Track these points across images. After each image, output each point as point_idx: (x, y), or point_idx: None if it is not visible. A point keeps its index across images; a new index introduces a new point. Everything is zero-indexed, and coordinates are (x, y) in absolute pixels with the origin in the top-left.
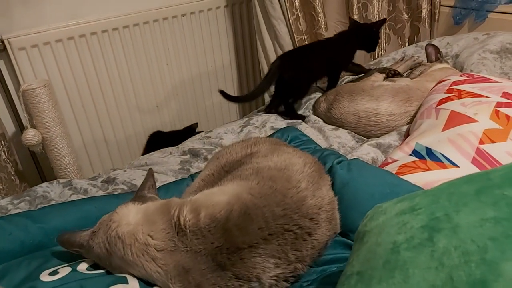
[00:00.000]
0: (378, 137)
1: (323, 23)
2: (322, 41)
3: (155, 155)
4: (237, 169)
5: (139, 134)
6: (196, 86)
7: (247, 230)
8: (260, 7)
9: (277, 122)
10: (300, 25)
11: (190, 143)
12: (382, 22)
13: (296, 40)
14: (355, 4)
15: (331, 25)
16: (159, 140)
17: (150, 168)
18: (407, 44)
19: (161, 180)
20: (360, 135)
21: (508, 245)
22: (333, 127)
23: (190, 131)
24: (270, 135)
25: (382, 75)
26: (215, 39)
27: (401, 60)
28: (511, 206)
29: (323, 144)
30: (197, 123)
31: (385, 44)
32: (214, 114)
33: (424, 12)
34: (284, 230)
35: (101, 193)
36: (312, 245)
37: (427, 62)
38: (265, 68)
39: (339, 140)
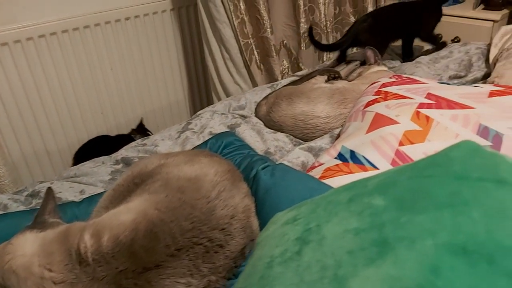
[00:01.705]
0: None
1: (268, 26)
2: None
3: (86, 165)
4: (146, 181)
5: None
6: (143, 90)
7: (154, 250)
8: (205, 10)
9: (216, 126)
10: (246, 28)
11: (124, 152)
12: None
13: (242, 43)
14: (301, 7)
15: (279, 28)
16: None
17: (49, 188)
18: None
19: (90, 192)
20: (298, 138)
21: (361, 259)
22: (272, 130)
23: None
24: (205, 141)
25: (324, 77)
26: (162, 43)
27: (346, 63)
28: (374, 216)
29: (260, 147)
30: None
31: None
32: (163, 117)
33: None
34: (193, 243)
35: (22, 208)
36: (225, 255)
37: (367, 64)
38: (213, 73)
39: (277, 143)
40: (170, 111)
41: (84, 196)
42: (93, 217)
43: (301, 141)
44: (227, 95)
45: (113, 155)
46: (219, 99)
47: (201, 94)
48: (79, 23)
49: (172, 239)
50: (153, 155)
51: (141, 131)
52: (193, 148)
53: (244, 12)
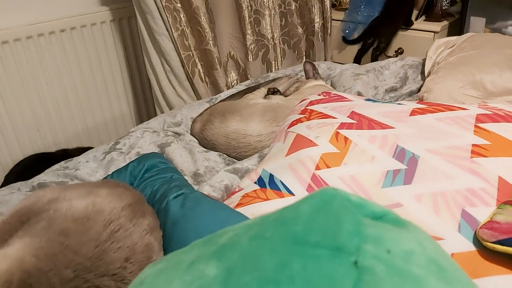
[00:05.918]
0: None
1: (210, 38)
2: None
3: (1, 193)
4: (30, 220)
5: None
6: (84, 104)
7: None
8: (143, 22)
9: (146, 146)
10: (187, 40)
11: (43, 176)
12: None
13: (183, 56)
14: (247, 19)
15: (226, 39)
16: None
17: None
18: (304, 58)
19: None
20: (231, 157)
21: None
22: (204, 149)
23: None
24: (126, 165)
25: (263, 92)
26: (103, 55)
27: (287, 76)
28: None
29: (190, 168)
30: None
31: (281, 58)
32: (107, 132)
33: (317, 26)
34: None
35: None
36: None
37: (305, 79)
38: (155, 85)
39: (207, 163)
40: (114, 125)
41: None
42: None
43: (235, 160)
44: (170, 108)
45: (30, 180)
46: (162, 112)
47: (147, 106)
48: (9, 36)
49: None
50: (52, 186)
51: None
52: (113, 172)
53: (184, 24)
